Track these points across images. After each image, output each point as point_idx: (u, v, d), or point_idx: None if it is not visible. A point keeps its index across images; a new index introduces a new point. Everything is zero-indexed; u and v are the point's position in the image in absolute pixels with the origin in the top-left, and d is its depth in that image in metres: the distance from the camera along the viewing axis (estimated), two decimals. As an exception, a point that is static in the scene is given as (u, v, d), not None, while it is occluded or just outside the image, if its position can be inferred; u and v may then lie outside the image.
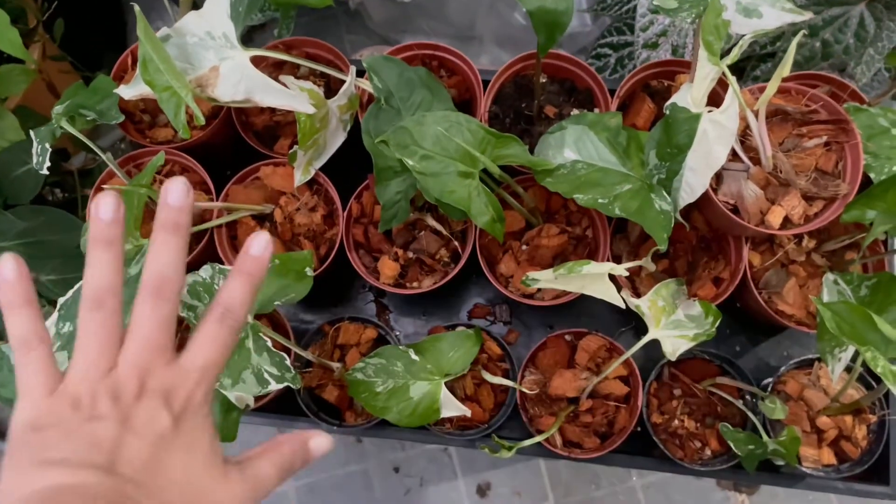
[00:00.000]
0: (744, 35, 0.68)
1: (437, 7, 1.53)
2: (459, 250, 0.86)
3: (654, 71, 0.87)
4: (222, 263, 0.86)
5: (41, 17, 1.33)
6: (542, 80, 0.90)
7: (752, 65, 1.19)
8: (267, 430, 1.61)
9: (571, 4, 0.63)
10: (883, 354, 0.63)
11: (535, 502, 1.56)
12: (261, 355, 0.70)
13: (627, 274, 0.66)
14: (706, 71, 0.67)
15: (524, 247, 0.86)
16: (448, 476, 1.58)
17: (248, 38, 0.76)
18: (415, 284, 0.86)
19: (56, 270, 1.06)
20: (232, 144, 0.93)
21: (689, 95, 0.69)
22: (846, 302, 0.67)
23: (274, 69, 0.93)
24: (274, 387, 0.69)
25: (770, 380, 0.82)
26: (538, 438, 0.76)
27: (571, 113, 0.89)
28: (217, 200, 0.88)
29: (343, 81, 0.83)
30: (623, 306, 0.68)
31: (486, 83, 0.89)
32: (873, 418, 0.80)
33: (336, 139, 0.86)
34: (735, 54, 0.66)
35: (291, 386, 0.69)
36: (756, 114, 0.68)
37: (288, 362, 0.68)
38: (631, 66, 1.25)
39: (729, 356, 0.84)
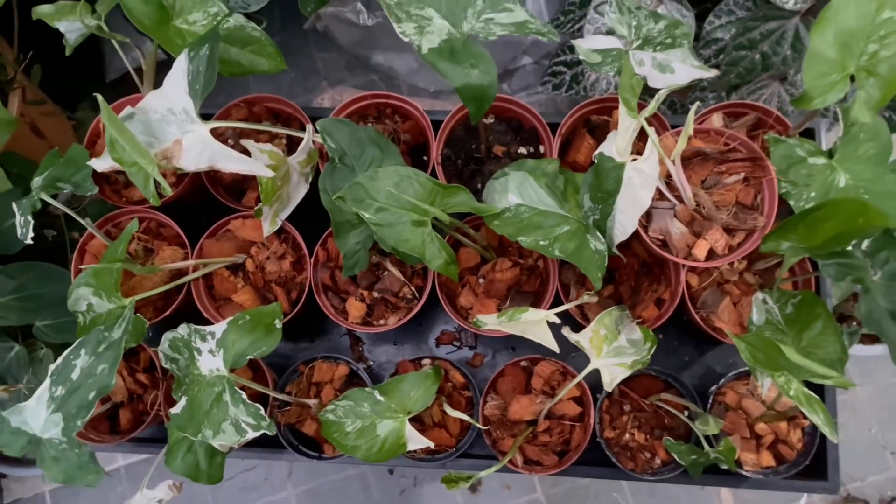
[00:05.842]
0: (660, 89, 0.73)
1: (401, 26, 1.57)
2: (418, 290, 0.92)
3: (592, 108, 0.92)
4: (200, 314, 0.93)
5: (18, 68, 1.38)
6: (490, 121, 0.96)
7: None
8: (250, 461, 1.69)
9: (495, 80, 0.68)
10: (796, 378, 0.70)
11: (523, 495, 1.64)
12: (237, 407, 0.76)
13: (559, 321, 0.73)
14: (627, 124, 0.73)
15: (481, 280, 0.92)
16: (440, 474, 1.66)
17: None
18: (381, 321, 0.92)
19: (50, 317, 1.12)
20: (203, 199, 0.98)
21: (614, 145, 0.75)
22: (758, 335, 0.73)
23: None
24: (251, 435, 0.75)
25: (713, 388, 0.89)
26: (498, 466, 0.83)
27: (518, 151, 0.94)
28: (192, 253, 0.94)
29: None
30: (557, 350, 0.74)
31: (436, 123, 0.94)
32: (806, 423, 0.87)
33: (299, 192, 0.91)
34: (653, 107, 0.72)
35: (267, 433, 0.76)
36: (674, 161, 0.74)
37: (263, 412, 0.75)
38: (585, 82, 1.30)
39: (674, 371, 0.91)
